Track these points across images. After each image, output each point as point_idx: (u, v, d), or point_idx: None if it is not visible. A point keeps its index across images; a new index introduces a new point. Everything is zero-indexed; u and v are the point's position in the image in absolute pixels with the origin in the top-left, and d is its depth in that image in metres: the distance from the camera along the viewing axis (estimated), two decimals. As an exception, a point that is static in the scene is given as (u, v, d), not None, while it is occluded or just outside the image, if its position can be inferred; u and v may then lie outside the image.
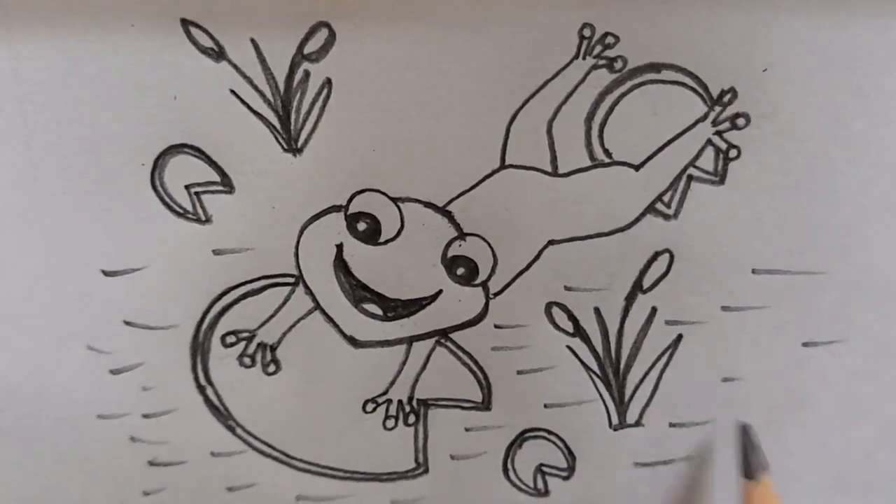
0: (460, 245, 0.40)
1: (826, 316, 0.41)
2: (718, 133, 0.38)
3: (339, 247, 0.40)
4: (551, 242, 0.40)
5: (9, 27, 0.36)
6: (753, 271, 0.40)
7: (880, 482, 0.44)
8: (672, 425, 0.44)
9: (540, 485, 0.45)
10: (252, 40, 0.36)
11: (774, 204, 0.39)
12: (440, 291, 0.41)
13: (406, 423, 0.44)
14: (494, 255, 0.40)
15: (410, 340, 0.42)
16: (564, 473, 0.45)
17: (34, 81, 0.36)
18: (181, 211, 0.39)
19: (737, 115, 0.37)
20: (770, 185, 0.39)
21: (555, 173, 0.39)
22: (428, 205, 0.39)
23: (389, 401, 0.43)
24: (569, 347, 0.42)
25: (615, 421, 0.43)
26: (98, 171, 0.38)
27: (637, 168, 0.38)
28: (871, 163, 0.38)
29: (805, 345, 0.42)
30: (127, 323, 0.41)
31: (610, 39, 0.36)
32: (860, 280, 0.40)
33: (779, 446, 0.44)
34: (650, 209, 0.39)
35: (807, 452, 0.44)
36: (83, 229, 0.39)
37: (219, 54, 0.36)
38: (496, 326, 0.41)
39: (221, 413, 0.43)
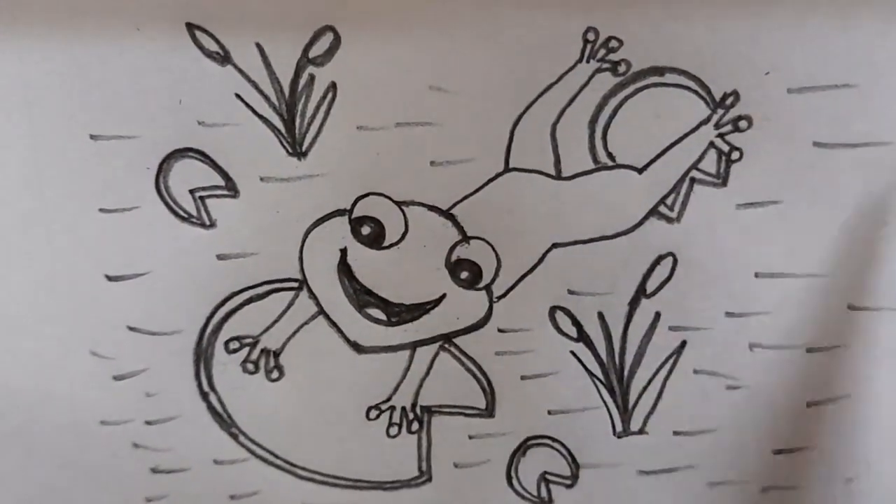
0: (465, 248, 0.40)
1: (830, 321, 0.41)
2: (721, 135, 0.38)
3: (344, 251, 0.40)
4: (555, 246, 0.40)
5: (15, 31, 0.36)
6: (756, 275, 0.40)
7: (886, 493, 0.44)
8: (676, 433, 0.43)
9: (544, 493, 0.44)
10: (257, 44, 0.36)
11: (777, 206, 0.39)
12: (444, 295, 0.41)
13: (409, 431, 0.43)
14: (498, 259, 0.40)
15: (414, 346, 0.42)
16: (568, 481, 0.44)
17: (40, 85, 0.37)
18: (185, 215, 0.39)
19: (739, 118, 0.38)
20: (772, 187, 0.39)
21: (558, 176, 0.39)
22: (432, 208, 0.39)
23: (393, 408, 0.43)
24: (572, 353, 0.42)
25: (619, 428, 0.43)
26: (103, 175, 0.38)
27: (640, 171, 0.38)
28: (872, 163, 0.38)
29: (809, 350, 0.41)
30: (131, 328, 0.41)
31: (613, 43, 0.36)
32: (864, 284, 0.40)
33: (784, 456, 0.43)
34: (653, 212, 0.39)
35: (812, 463, 0.43)
36: (87, 233, 0.39)
37: (224, 58, 0.37)
38: (500, 331, 0.41)
39: (224, 420, 0.43)
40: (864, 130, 0.38)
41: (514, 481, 0.44)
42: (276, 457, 0.44)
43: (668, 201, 0.39)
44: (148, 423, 0.43)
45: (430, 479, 0.44)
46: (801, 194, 0.39)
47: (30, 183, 0.38)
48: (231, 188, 0.39)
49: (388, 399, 0.43)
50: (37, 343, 0.41)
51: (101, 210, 0.39)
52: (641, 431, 0.43)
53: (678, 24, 0.36)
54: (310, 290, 0.41)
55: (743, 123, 0.38)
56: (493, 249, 0.40)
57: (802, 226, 0.39)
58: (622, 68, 0.37)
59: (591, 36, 0.36)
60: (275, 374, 0.42)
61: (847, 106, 0.37)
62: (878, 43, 0.36)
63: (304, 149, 0.38)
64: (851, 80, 0.37)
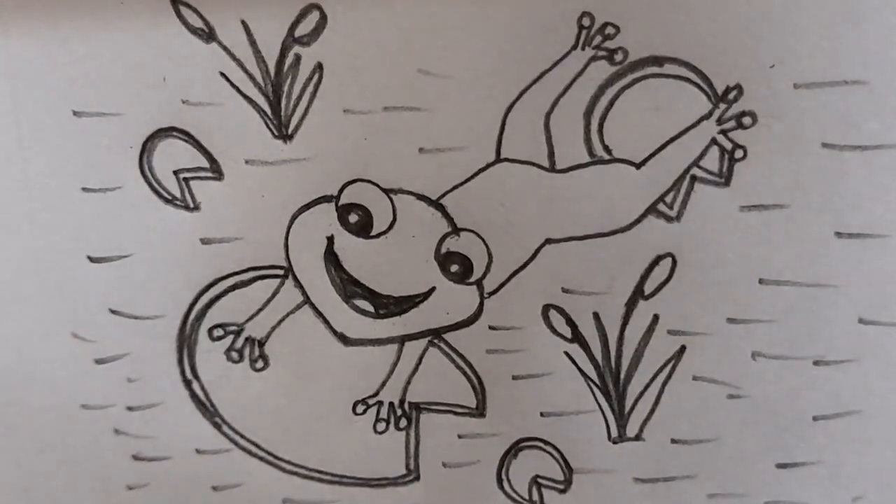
0: (455, 240, 0.39)
1: (838, 333, 0.40)
2: (723, 132, 0.37)
3: (330, 239, 0.39)
4: (548, 241, 0.39)
5: (-1, 3, 0.36)
6: (761, 281, 0.39)
7: (896, 513, 0.43)
8: (674, 441, 0.42)
9: (535, 497, 0.44)
10: (243, 22, 0.36)
11: (783, 211, 0.38)
12: (433, 289, 0.40)
13: (397, 428, 0.43)
14: (489, 252, 0.39)
15: (402, 340, 0.41)
16: (561, 486, 0.43)
17: (23, 58, 0.37)
18: (169, 197, 0.39)
19: (743, 114, 0.36)
20: (778, 189, 0.37)
21: (552, 169, 0.38)
22: (420, 197, 0.38)
23: (380, 403, 0.42)
24: (566, 354, 0.41)
25: (614, 434, 0.42)
26: (86, 153, 0.38)
27: (638, 166, 0.37)
28: (885, 167, 0.37)
29: (816, 363, 0.40)
30: (113, 311, 0.41)
31: (610, 30, 0.36)
32: (875, 294, 0.39)
33: (788, 471, 0.42)
34: (652, 210, 0.38)
35: (817, 479, 0.42)
36: (70, 213, 0.39)
37: (209, 35, 0.36)
38: (491, 328, 0.40)
39: (207, 409, 0.42)
40: (876, 131, 0.36)
41: (505, 484, 0.44)
42: (260, 448, 0.43)
43: (668, 199, 0.38)
44: (129, 408, 0.42)
45: (417, 478, 0.44)
46: (809, 199, 0.37)
47: (12, 159, 0.38)
48: (215, 170, 0.38)
49: (376, 394, 0.42)
50: (17, 323, 0.41)
51: (84, 189, 0.39)
52: (638, 438, 0.42)
53: (679, 11, 0.35)
54: (295, 279, 0.40)
55: (747, 119, 0.36)
56: (484, 243, 0.39)
57: (810, 232, 0.38)
58: (619, 57, 0.36)
59: (586, 21, 0.35)
60: (259, 364, 0.42)
61: (858, 104, 0.36)
62: (892, 38, 0.35)
63: (289, 131, 0.38)
64: (862, 77, 0.35)
